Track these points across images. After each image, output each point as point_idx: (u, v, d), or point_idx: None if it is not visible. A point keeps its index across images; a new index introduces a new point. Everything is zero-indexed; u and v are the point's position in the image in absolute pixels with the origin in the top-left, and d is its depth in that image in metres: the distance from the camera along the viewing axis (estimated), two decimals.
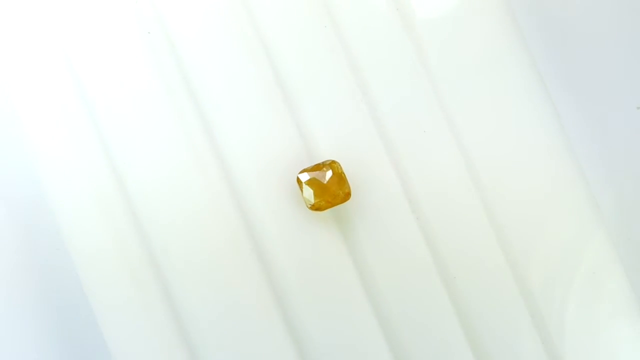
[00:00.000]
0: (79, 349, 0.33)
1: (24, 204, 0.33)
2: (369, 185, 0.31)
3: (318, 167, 0.30)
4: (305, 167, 0.31)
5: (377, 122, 0.32)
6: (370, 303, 0.31)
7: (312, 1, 0.32)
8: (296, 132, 0.31)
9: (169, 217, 0.30)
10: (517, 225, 0.32)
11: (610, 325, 0.32)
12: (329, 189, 0.30)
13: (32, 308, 0.33)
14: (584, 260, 0.32)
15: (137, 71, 0.31)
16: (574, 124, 0.38)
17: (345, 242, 0.31)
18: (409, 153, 0.32)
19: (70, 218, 0.30)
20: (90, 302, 0.30)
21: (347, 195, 0.30)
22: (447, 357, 0.31)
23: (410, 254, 0.31)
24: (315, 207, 0.30)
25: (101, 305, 0.30)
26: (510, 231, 0.32)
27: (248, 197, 0.31)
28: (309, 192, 0.30)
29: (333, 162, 0.30)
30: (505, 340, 0.31)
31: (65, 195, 0.30)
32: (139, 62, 0.31)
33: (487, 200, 0.32)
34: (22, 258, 0.33)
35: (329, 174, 0.30)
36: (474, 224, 0.31)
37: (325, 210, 0.31)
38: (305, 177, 0.30)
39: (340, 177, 0.30)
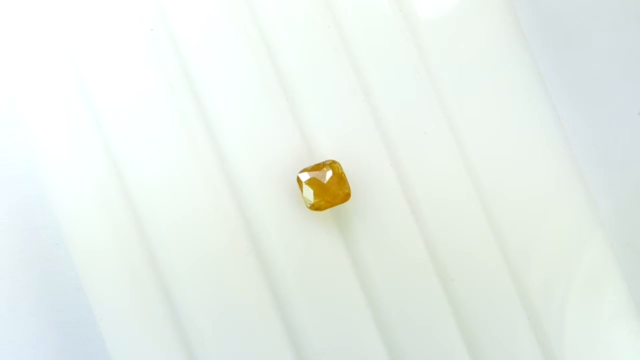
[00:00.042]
0: (78, 348, 0.33)
1: (25, 202, 0.33)
2: (369, 186, 0.31)
3: (318, 166, 0.30)
4: (306, 166, 0.31)
5: (378, 122, 0.32)
6: (368, 303, 0.31)
7: (315, 1, 0.32)
8: (297, 131, 0.31)
9: (169, 216, 0.30)
10: (516, 228, 0.32)
11: (608, 329, 0.32)
12: (329, 189, 0.30)
13: (31, 307, 0.33)
14: (582, 263, 0.32)
15: (140, 68, 0.31)
16: (574, 127, 0.38)
17: (345, 242, 0.31)
18: (409, 154, 0.32)
19: (70, 216, 0.30)
20: (89, 300, 0.30)
21: (346, 196, 0.30)
22: (444, 359, 0.31)
23: (409, 255, 0.31)
24: (314, 207, 0.30)
25: (100, 303, 0.30)
26: (509, 234, 0.32)
27: (248, 196, 0.31)
28: (308, 192, 0.30)
29: (333, 162, 0.30)
30: (502, 342, 0.31)
31: (65, 193, 0.30)
32: (141, 58, 0.31)
33: (486, 202, 0.32)
34: (22, 257, 0.33)
35: (329, 174, 0.30)
36: (473, 226, 0.31)
37: (325, 210, 0.31)
38: (305, 176, 0.30)
39: (340, 177, 0.30)
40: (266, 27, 0.32)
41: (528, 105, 0.33)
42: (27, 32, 0.31)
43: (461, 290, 0.31)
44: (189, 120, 0.31)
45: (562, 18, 0.40)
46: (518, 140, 0.32)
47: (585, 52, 0.40)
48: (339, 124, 0.31)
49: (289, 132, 0.31)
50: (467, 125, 0.32)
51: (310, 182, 0.30)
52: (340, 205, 0.31)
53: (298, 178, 0.30)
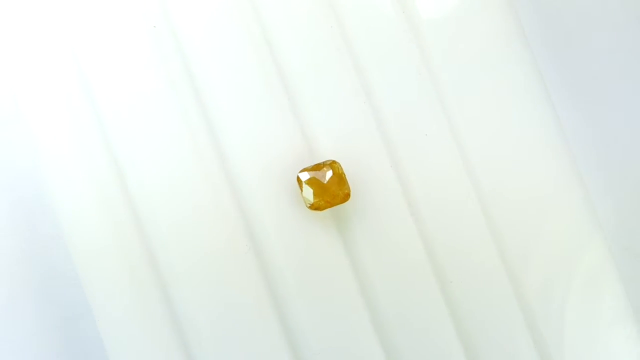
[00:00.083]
0: (78, 347, 0.33)
1: (25, 201, 0.33)
2: (369, 187, 0.31)
3: (318, 166, 0.30)
4: (306, 166, 0.31)
5: (379, 123, 0.32)
6: (365, 304, 0.31)
7: (318, 1, 0.32)
8: (298, 131, 0.31)
9: (169, 213, 0.30)
10: (515, 230, 0.32)
11: (606, 333, 0.32)
12: (329, 189, 0.30)
13: (31, 306, 0.33)
14: (580, 267, 0.32)
15: (142, 65, 0.31)
16: (574, 127, 0.38)
17: (343, 243, 0.31)
18: (409, 156, 0.31)
19: (70, 212, 0.30)
20: (87, 297, 0.30)
21: (346, 196, 0.30)
22: None
23: (407, 257, 0.31)
24: (314, 207, 0.30)
25: (98, 300, 0.30)
26: (508, 236, 0.32)
27: (248, 195, 0.31)
28: (308, 192, 0.30)
29: (334, 162, 0.30)
30: (500, 345, 0.31)
31: (65, 191, 0.30)
32: (143, 55, 0.31)
33: (486, 205, 0.32)
34: (22, 255, 0.33)
35: (329, 174, 0.30)
36: (472, 229, 0.31)
37: (324, 210, 0.31)
38: (305, 176, 0.30)
39: (340, 178, 0.30)
40: (269, 25, 0.32)
41: (528, 105, 0.33)
42: (30, 29, 0.31)
43: (459, 292, 0.31)
44: (190, 118, 0.31)
45: (562, 18, 0.40)
46: (517, 142, 0.32)
47: (585, 52, 0.40)
48: (340, 124, 0.31)
49: (290, 132, 0.31)
50: (467, 127, 0.32)
51: (310, 182, 0.30)
52: (339, 205, 0.31)
53: (298, 177, 0.30)
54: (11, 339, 0.32)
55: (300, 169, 0.31)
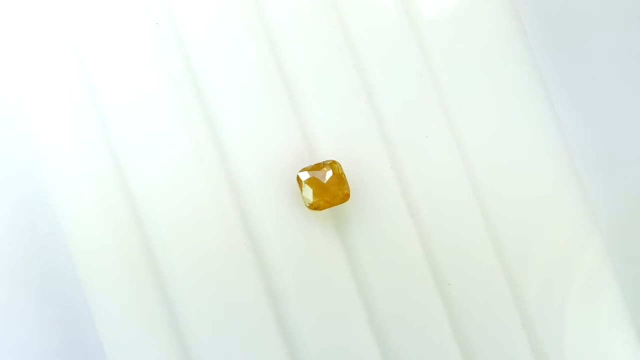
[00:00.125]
0: (78, 347, 0.33)
1: (25, 200, 0.33)
2: (369, 187, 0.31)
3: (318, 166, 0.30)
4: (306, 165, 0.31)
5: (379, 124, 0.32)
6: (363, 305, 0.31)
7: (321, 1, 0.32)
8: (299, 130, 0.31)
9: (169, 212, 0.30)
10: (513, 233, 0.32)
11: (603, 338, 0.32)
12: (329, 189, 0.30)
13: (31, 306, 0.33)
14: (578, 270, 0.32)
15: (144, 62, 0.31)
16: (574, 127, 0.38)
17: (342, 243, 0.31)
18: (410, 157, 0.32)
19: (70, 213, 0.30)
20: (87, 297, 0.30)
21: (346, 196, 0.30)
22: None
23: (406, 258, 0.31)
24: (313, 207, 0.30)
25: (98, 300, 0.30)
26: (506, 239, 0.32)
27: (248, 193, 0.31)
28: (308, 191, 0.30)
29: (334, 162, 0.30)
30: (497, 348, 0.31)
31: (66, 190, 0.30)
32: (146, 52, 0.31)
33: (484, 206, 0.32)
34: (22, 255, 0.33)
35: (329, 173, 0.30)
36: (471, 231, 0.32)
37: (324, 210, 0.31)
38: (305, 175, 0.30)
39: (340, 178, 0.30)
40: (272, 24, 0.31)
41: (528, 106, 0.33)
42: (32, 26, 0.31)
43: (457, 294, 0.31)
44: (191, 115, 0.31)
45: (561, 18, 0.39)
46: (517, 143, 0.33)
47: (585, 52, 0.40)
48: (341, 124, 0.31)
49: (291, 131, 0.31)
50: (467, 127, 0.32)
51: (309, 182, 0.30)
52: (339, 205, 0.31)
53: (298, 177, 0.30)
54: (11, 339, 0.32)
55: (300, 168, 0.31)
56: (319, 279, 0.31)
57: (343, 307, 0.31)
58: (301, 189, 0.30)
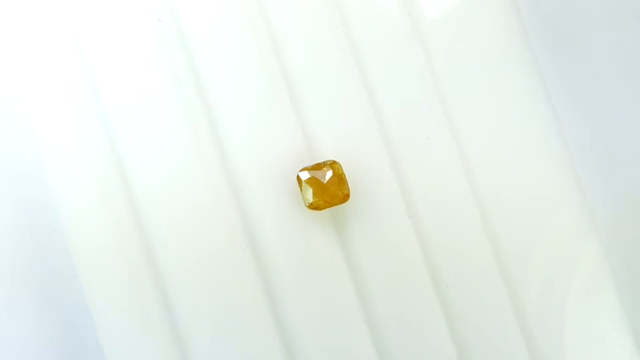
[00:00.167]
0: (78, 347, 0.33)
1: (26, 200, 0.33)
2: (369, 188, 0.31)
3: (319, 166, 0.30)
4: (306, 165, 0.31)
5: (380, 125, 0.32)
6: (361, 306, 0.31)
7: (325, 1, 0.31)
8: (300, 130, 0.31)
9: (169, 210, 0.30)
10: (512, 235, 0.32)
11: (601, 343, 0.32)
12: (328, 189, 0.30)
13: (30, 307, 0.33)
14: (576, 274, 0.32)
15: (146, 60, 0.31)
16: (574, 127, 0.38)
17: (341, 243, 0.31)
18: (410, 158, 0.31)
19: (70, 210, 0.30)
20: (86, 296, 0.29)
21: (345, 197, 0.30)
22: None
23: (404, 260, 0.31)
24: (313, 206, 0.30)
25: (97, 298, 0.30)
26: (505, 241, 0.32)
27: (248, 192, 0.31)
28: (308, 191, 0.30)
29: (334, 162, 0.30)
30: (493, 350, 0.31)
31: (66, 187, 0.30)
32: (148, 50, 0.31)
33: (484, 209, 0.32)
34: (22, 254, 0.32)
35: (329, 173, 0.30)
36: (469, 233, 0.32)
37: (323, 210, 0.31)
38: (305, 175, 0.30)
39: (340, 178, 0.30)
40: (274, 23, 0.31)
41: (528, 106, 0.33)
42: (34, 23, 0.31)
43: (455, 297, 0.31)
44: (192, 114, 0.31)
45: (562, 18, 0.39)
46: (517, 144, 0.33)
47: (585, 52, 0.39)
48: (342, 124, 0.31)
49: (292, 130, 0.31)
50: (467, 128, 0.32)
51: (309, 181, 0.30)
52: (338, 205, 0.31)
53: (298, 176, 0.30)
54: (11, 339, 0.32)
55: (301, 168, 0.30)
56: (318, 279, 0.31)
57: (341, 307, 0.31)
58: (301, 189, 0.30)
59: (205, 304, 0.30)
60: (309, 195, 0.30)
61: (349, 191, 0.30)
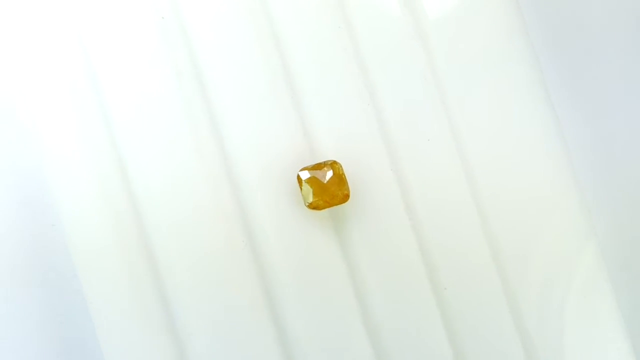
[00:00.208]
0: (78, 347, 0.33)
1: (26, 200, 0.33)
2: (369, 188, 0.31)
3: (319, 166, 0.30)
4: (307, 165, 0.31)
5: (381, 126, 0.32)
6: (359, 306, 0.31)
7: (328, 1, 0.31)
8: (300, 129, 0.31)
9: (169, 210, 0.30)
10: (511, 237, 0.32)
11: (599, 346, 0.32)
12: (328, 189, 0.30)
13: (30, 306, 0.33)
14: (575, 277, 0.32)
15: (148, 56, 0.31)
16: (573, 127, 0.38)
17: (340, 244, 0.31)
18: (411, 160, 0.31)
19: (70, 208, 0.30)
20: (85, 296, 0.29)
21: (345, 197, 0.30)
22: None
23: (403, 261, 0.31)
24: (313, 206, 0.30)
25: (96, 297, 0.30)
26: (504, 243, 0.32)
27: (248, 191, 0.31)
28: (308, 190, 0.30)
29: (334, 162, 0.30)
30: (491, 353, 0.32)
31: (66, 185, 0.30)
32: (150, 46, 0.31)
33: (483, 210, 0.32)
34: (23, 255, 0.32)
35: (329, 173, 0.30)
36: (469, 237, 0.32)
37: (323, 210, 0.31)
38: (305, 175, 0.30)
39: (340, 178, 0.30)
40: (277, 22, 0.31)
41: (529, 106, 0.33)
42: (36, 20, 0.30)
43: (453, 300, 0.31)
44: (194, 111, 0.31)
45: (563, 18, 0.39)
46: (517, 145, 0.33)
47: (586, 52, 0.39)
48: (343, 124, 0.31)
49: (292, 130, 0.31)
50: (468, 129, 0.32)
51: (310, 181, 0.30)
52: (338, 206, 0.31)
53: (298, 176, 0.30)
54: (11, 339, 0.32)
55: (301, 167, 0.30)
56: (317, 279, 0.31)
57: (339, 307, 0.31)
58: (301, 188, 0.30)
59: (205, 303, 0.30)
60: (309, 195, 0.30)
61: (349, 191, 0.30)
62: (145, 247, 0.30)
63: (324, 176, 0.30)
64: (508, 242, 0.32)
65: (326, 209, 0.31)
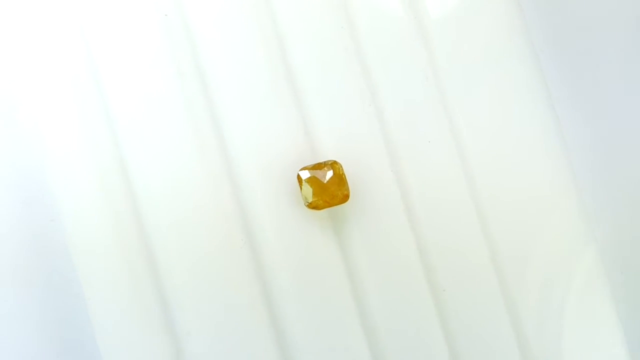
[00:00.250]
0: (77, 348, 0.33)
1: (27, 200, 0.33)
2: (369, 189, 0.31)
3: (319, 166, 0.30)
4: (307, 164, 0.31)
5: (382, 127, 0.32)
6: (357, 306, 0.31)
7: (332, 1, 0.31)
8: (301, 129, 0.31)
9: (170, 208, 0.30)
10: (510, 238, 0.32)
11: (596, 349, 0.32)
12: (328, 188, 0.30)
13: (30, 305, 0.33)
14: (574, 278, 0.32)
15: (151, 54, 0.31)
16: (573, 127, 0.38)
17: (339, 244, 0.31)
18: (411, 161, 0.32)
19: (70, 207, 0.30)
20: (85, 293, 0.29)
21: (345, 197, 0.30)
22: None
23: (402, 262, 0.31)
24: (312, 206, 0.30)
25: (96, 297, 0.30)
26: (503, 244, 0.32)
27: (248, 190, 0.31)
28: (307, 190, 0.30)
29: (335, 162, 0.30)
30: (489, 353, 0.32)
31: (67, 184, 0.30)
32: (153, 44, 0.31)
33: (482, 211, 0.32)
34: (23, 255, 0.32)
35: (329, 173, 0.30)
36: (468, 238, 0.32)
37: (323, 210, 0.31)
38: (305, 174, 0.30)
39: (340, 178, 0.30)
40: (280, 21, 0.31)
41: (529, 105, 0.33)
42: (38, 17, 0.30)
43: (451, 301, 0.31)
44: (195, 109, 0.31)
45: (563, 18, 0.39)
46: (517, 146, 0.33)
47: (586, 52, 0.39)
48: (344, 124, 0.31)
49: (293, 129, 0.31)
50: (468, 130, 0.32)
51: (310, 181, 0.30)
52: (338, 206, 0.31)
53: (298, 175, 0.30)
54: (11, 339, 0.32)
55: (301, 167, 0.30)
56: (315, 278, 0.31)
57: (337, 307, 0.31)
58: (301, 188, 0.30)
59: (204, 303, 0.30)
60: (309, 195, 0.30)
61: (349, 192, 0.30)
62: (145, 247, 0.30)
63: (324, 176, 0.30)
64: (507, 243, 0.32)
65: (326, 209, 0.31)
